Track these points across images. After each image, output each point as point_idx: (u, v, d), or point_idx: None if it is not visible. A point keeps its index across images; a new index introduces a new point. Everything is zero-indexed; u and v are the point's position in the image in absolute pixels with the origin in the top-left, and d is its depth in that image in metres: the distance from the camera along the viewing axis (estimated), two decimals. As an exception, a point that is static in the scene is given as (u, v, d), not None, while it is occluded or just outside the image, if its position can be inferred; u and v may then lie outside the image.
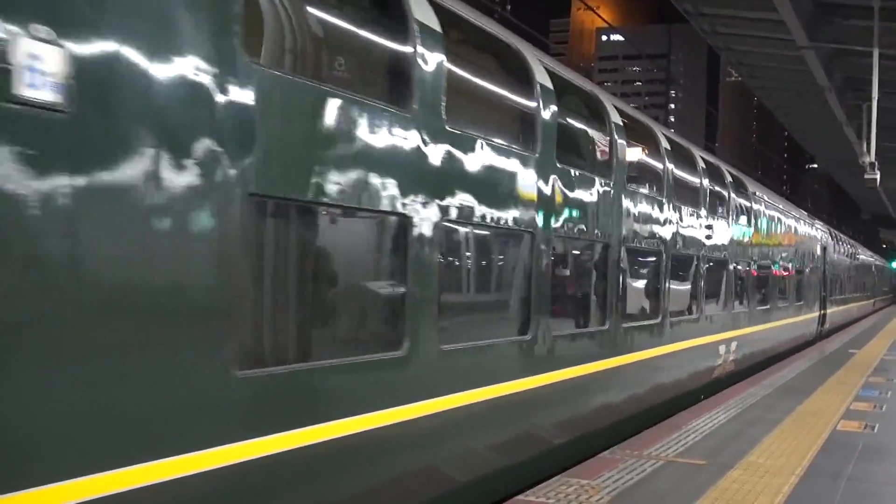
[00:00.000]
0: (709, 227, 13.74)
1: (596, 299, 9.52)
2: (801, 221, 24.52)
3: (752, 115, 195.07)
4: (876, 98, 19.92)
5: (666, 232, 11.63)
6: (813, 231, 26.59)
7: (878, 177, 21.35)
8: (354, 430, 5.26)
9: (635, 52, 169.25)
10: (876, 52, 18.82)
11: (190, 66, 4.20)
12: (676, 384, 12.38)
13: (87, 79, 3.67)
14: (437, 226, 6.21)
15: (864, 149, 22.01)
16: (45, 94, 3.51)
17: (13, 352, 3.45)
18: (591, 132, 9.66)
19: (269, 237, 4.95)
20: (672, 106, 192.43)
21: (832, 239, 31.62)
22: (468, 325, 7.02)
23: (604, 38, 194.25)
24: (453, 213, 6.45)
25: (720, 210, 14.68)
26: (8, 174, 3.37)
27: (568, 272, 8.96)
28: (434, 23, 6.20)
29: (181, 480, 4.07)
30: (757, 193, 17.99)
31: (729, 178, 15.45)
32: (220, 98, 4.36)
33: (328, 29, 5.64)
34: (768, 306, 18.45)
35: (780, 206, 21.42)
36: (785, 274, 20.72)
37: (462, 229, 6.74)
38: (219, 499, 4.33)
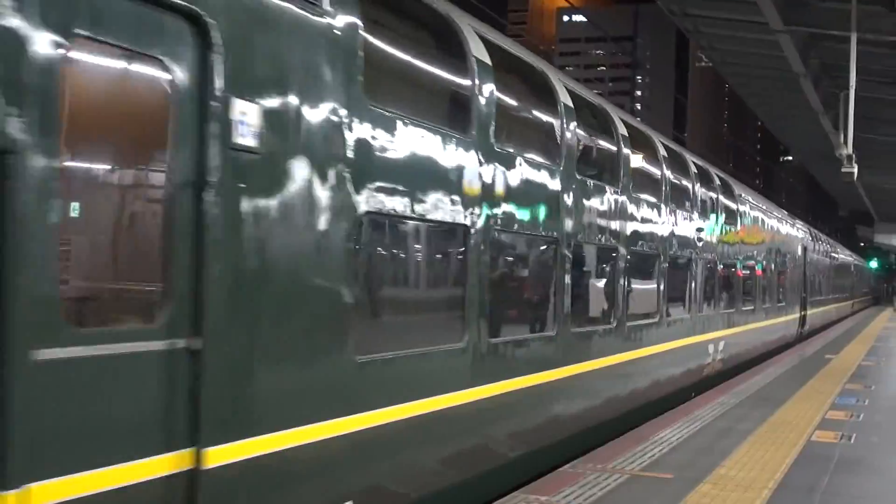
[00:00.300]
0: (700, 229, 15.44)
1: (605, 300, 11.03)
2: (784, 221, 26.49)
3: (723, 104, 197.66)
4: (853, 86, 20.22)
5: (664, 236, 13.26)
6: (794, 231, 28.49)
7: (855, 170, 21.64)
8: (438, 406, 6.92)
9: (599, 35, 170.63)
10: (854, 37, 19.11)
11: (331, 111, 5.64)
12: (671, 380, 13.93)
13: (269, 126, 5.05)
14: (486, 234, 7.68)
15: (842, 140, 22.32)
16: (249, 140, 4.89)
17: (232, 337, 4.81)
18: (602, 144, 11.21)
19: (375, 247, 6.46)
20: (638, 93, 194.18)
21: (812, 238, 33.38)
22: (509, 321, 8.54)
23: (565, 18, 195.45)
24: (498, 223, 7.94)
25: (711, 213, 16.45)
26: (229, 200, 4.76)
27: (583, 275, 10.44)
28: (486, 57, 7.77)
29: (327, 441, 5.53)
30: (742, 195, 19.87)
31: (717, 182, 17.27)
32: (349, 134, 5.82)
33: (414, 70, 7.28)
34: (753, 307, 20.34)
35: (764, 207, 23.27)
36: (769, 275, 22.50)
37: (504, 236, 8.21)
38: (343, 460, 5.77)
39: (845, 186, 48.04)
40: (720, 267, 16.97)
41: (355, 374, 5.87)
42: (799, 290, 28.33)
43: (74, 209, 4.25)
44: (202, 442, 4.52)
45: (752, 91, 31.64)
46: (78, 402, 3.99)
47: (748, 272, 19.89)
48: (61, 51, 3.89)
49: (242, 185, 4.87)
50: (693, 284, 14.94)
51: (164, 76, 4.44)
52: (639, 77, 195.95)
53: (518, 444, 8.61)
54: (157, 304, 4.45)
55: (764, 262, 21.88)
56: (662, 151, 13.62)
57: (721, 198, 17.25)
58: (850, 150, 21.56)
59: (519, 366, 8.47)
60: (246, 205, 4.91)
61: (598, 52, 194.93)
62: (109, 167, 4.53)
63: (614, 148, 11.35)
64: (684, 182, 14.74)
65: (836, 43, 21.16)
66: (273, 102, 5.14)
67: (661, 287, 13.20)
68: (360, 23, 5.93)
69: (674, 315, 13.92)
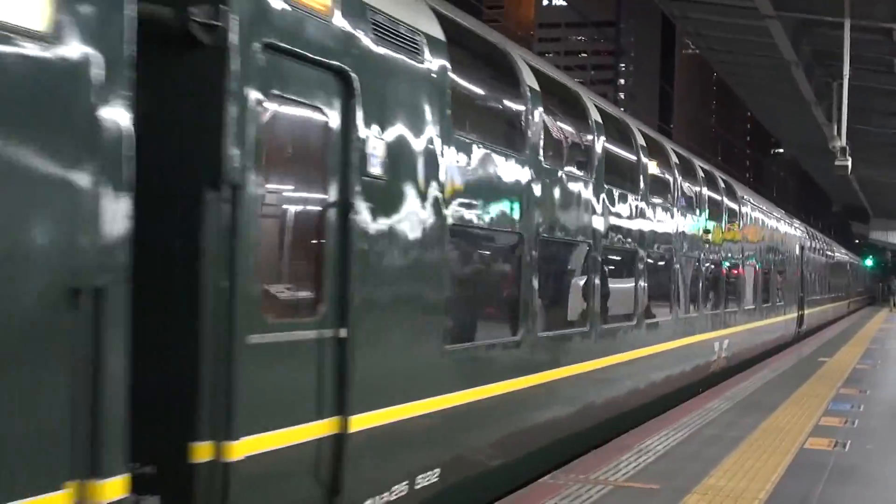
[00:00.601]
0: (707, 231, 17.33)
1: (628, 299, 12.93)
2: (782, 221, 28.72)
3: (711, 93, 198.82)
4: (847, 75, 20.43)
5: (677, 239, 15.15)
6: (792, 230, 30.66)
7: (849, 163, 21.84)
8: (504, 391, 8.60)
9: (580, 20, 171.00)
10: (847, 24, 19.31)
11: (429, 141, 7.25)
12: (683, 375, 15.79)
13: (390, 157, 6.62)
14: (535, 240, 9.30)
15: (835, 132, 22.55)
16: (377, 170, 6.46)
17: (363, 329, 6.26)
18: (625, 155, 12.96)
19: (456, 254, 8.01)
20: (621, 81, 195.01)
21: (809, 237, 35.41)
22: (550, 317, 10.10)
23: (545, 2, 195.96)
24: (544, 230, 9.56)
25: (717, 215, 18.33)
26: (366, 220, 6.37)
27: (610, 276, 12.03)
28: (535, 84, 9.47)
29: (419, 418, 7.01)
30: (744, 197, 21.91)
31: (722, 185, 19.31)
32: (441, 160, 7.42)
33: (484, 100, 9.32)
34: (754, 306, 22.21)
35: (763, 207, 25.31)
36: (769, 275, 24.58)
37: (547, 242, 9.79)
38: (436, 433, 7.35)
39: (839, 180, 48.37)
40: (724, 267, 18.89)
41: (444, 360, 7.50)
42: (796, 289, 30.05)
43: (267, 228, 5.69)
44: (347, 411, 5.98)
45: (742, 80, 31.87)
46: (268, 376, 5.42)
47: (750, 272, 21.75)
48: (263, 107, 5.39)
49: (373, 206, 6.44)
50: (701, 284, 16.74)
51: (322, 120, 5.98)
52: (622, 64, 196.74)
53: (562, 426, 10.37)
54: (317, 301, 5.98)
55: (764, 262, 23.77)
56: (674, 158, 15.53)
57: (725, 200, 19.21)
58: (843, 142, 21.77)
59: (559, 357, 10.13)
60: (375, 222, 6.52)
61: (579, 38, 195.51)
62: (288, 194, 5.98)
63: (634, 158, 13.16)
64: (694, 187, 16.69)
65: (828, 29, 21.39)
66: (392, 136, 6.72)
67: (676, 288, 15.15)
68: (448, 65, 7.55)
69: (685, 314, 15.73)
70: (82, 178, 3.91)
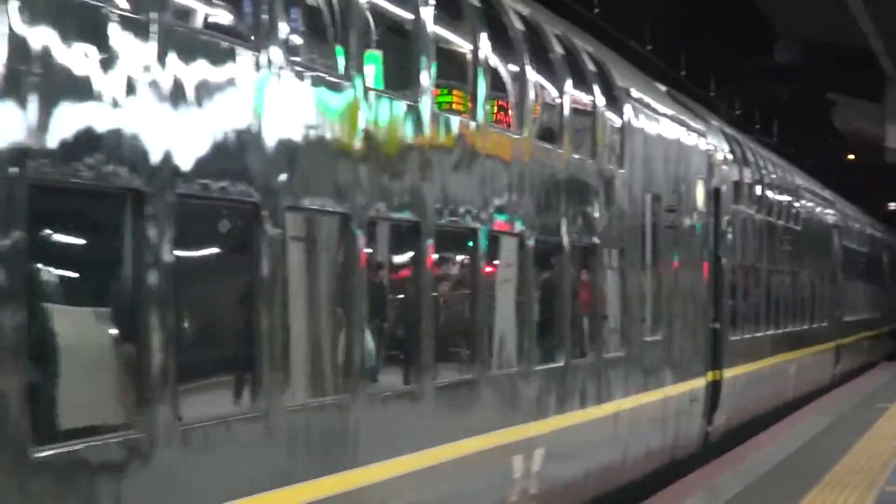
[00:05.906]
0: (801, 244, 31.43)
1: (797, 312, 34.17)
2: (819, 196, 31.20)
3: None
4: None
5: (803, 262, 33.17)
6: (827, 207, 31.64)
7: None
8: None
9: None
10: None
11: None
12: (797, 385, 31.48)
13: (734, 235, 31.28)
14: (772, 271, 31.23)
15: None
16: (729, 238, 31.36)
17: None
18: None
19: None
20: None
21: (842, 214, 33.73)
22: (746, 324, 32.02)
23: None
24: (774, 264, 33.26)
25: (817, 232, 31.19)
26: (725, 268, 29.32)
27: (783, 297, 32.13)
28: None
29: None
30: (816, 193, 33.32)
31: (828, 195, 32.85)
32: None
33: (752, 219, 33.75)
34: (807, 326, 29.84)
35: (818, 197, 31.74)
36: (813, 283, 29.48)
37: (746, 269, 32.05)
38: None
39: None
40: (805, 282, 29.35)
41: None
42: (831, 303, 29.88)
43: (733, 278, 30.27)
44: (722, 367, 26.44)
45: None
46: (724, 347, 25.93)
47: (808, 286, 30.08)
48: (722, 220, 28.11)
49: (726, 260, 27.51)
50: (801, 300, 29.96)
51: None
52: None
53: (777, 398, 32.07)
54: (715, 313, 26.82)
55: (814, 272, 29.77)
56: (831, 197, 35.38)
57: (820, 211, 30.81)
58: None
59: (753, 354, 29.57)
60: (732, 273, 28.06)
61: None
62: (729, 258, 29.45)
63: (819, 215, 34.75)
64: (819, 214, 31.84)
65: None
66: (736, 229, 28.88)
67: (801, 301, 31.35)
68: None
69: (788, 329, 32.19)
70: (704, 257, 25.66)
